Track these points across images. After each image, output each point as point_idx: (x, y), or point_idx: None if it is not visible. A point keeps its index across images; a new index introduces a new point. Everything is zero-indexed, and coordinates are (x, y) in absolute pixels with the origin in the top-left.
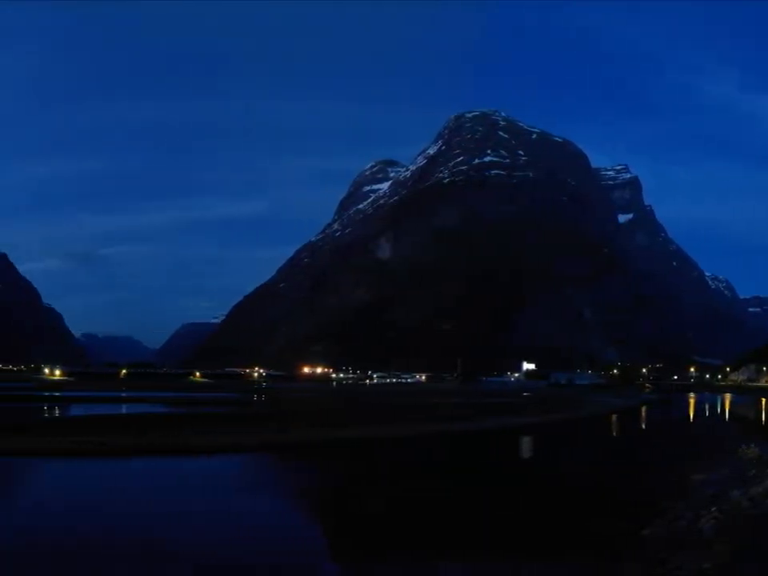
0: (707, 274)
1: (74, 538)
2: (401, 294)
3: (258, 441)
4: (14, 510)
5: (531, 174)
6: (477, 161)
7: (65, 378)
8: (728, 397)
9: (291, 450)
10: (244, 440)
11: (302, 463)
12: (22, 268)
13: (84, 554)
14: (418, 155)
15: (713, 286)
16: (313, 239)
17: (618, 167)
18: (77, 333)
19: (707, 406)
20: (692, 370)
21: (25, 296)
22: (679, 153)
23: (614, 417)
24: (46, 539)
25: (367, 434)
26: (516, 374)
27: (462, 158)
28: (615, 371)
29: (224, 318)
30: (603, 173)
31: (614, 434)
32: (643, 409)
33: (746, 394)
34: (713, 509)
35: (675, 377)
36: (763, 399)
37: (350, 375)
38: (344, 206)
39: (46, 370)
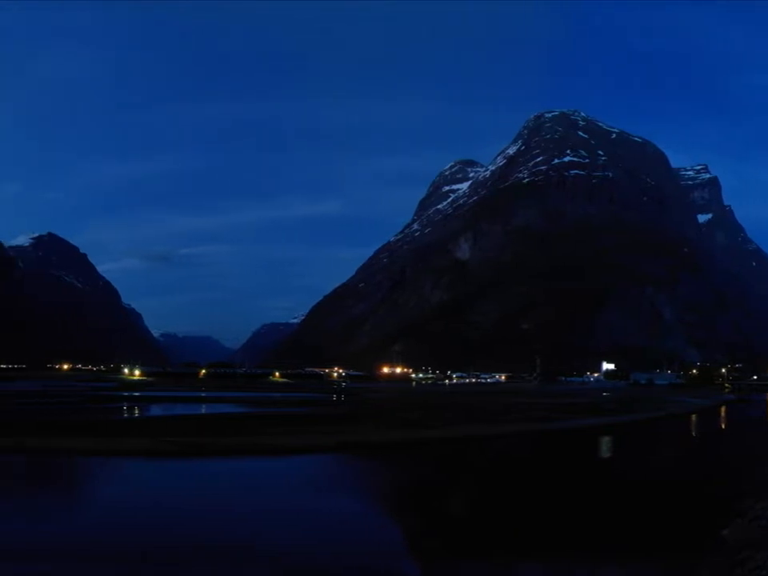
0: None
1: (157, 537)
2: (480, 294)
3: (338, 441)
4: (100, 510)
5: (611, 174)
6: (556, 161)
7: (144, 378)
8: None
9: (372, 450)
10: (324, 440)
11: (382, 463)
12: (102, 268)
13: (168, 554)
14: (498, 155)
15: None
16: (392, 239)
17: (698, 167)
18: (156, 333)
19: None
20: None
21: (105, 296)
22: (758, 152)
23: (694, 417)
24: (130, 539)
25: (448, 435)
26: (596, 374)
27: (541, 157)
28: (694, 371)
29: (303, 317)
30: (682, 173)
31: (694, 433)
32: (722, 409)
33: None
34: None
35: (755, 377)
36: None
37: (430, 375)
38: (423, 206)
39: (126, 370)
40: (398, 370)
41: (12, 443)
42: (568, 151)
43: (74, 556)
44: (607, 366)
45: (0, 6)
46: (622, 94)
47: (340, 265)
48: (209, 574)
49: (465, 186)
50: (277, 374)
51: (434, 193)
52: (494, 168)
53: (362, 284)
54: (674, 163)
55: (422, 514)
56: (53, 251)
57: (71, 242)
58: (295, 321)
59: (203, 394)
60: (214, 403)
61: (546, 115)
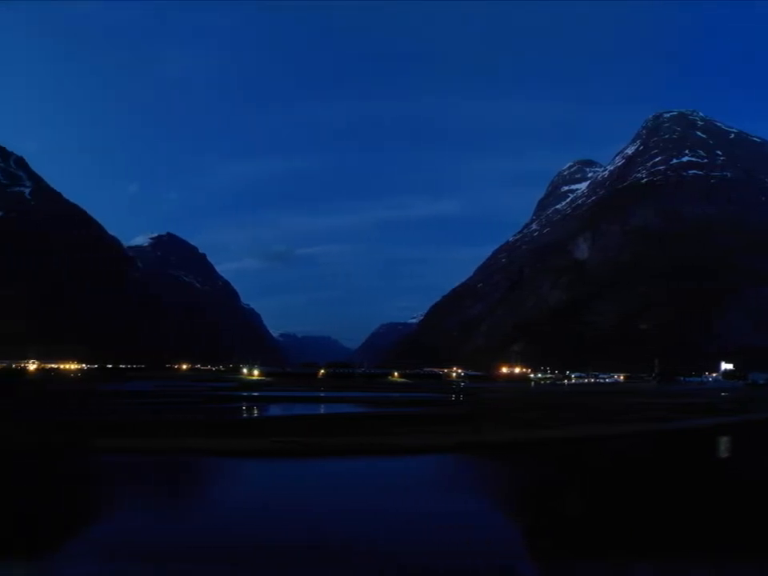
0: None
1: (272, 538)
2: (598, 294)
3: (456, 441)
4: (217, 511)
5: (729, 174)
6: (674, 161)
7: (263, 378)
8: None
9: (489, 450)
10: (442, 440)
11: (499, 463)
12: (221, 268)
13: (283, 554)
14: (616, 155)
15: None
16: (510, 239)
17: None
18: (275, 333)
19: None
20: None
21: (224, 296)
22: None
23: None
24: (245, 539)
25: (565, 435)
26: (714, 375)
27: (659, 157)
28: None
29: (422, 317)
30: None
31: None
32: None
33: None
34: None
35: None
36: None
37: (548, 375)
38: (542, 206)
39: (245, 370)
40: (517, 369)
41: (130, 444)
42: (686, 151)
43: (192, 555)
44: (726, 366)
45: (123, 7)
46: (740, 94)
47: (458, 264)
48: (324, 574)
49: (583, 185)
50: (395, 373)
51: (553, 193)
52: (612, 168)
53: (480, 284)
54: None
55: (539, 514)
56: (172, 251)
57: (190, 242)
58: (414, 321)
59: (322, 394)
60: (333, 403)
61: (665, 115)
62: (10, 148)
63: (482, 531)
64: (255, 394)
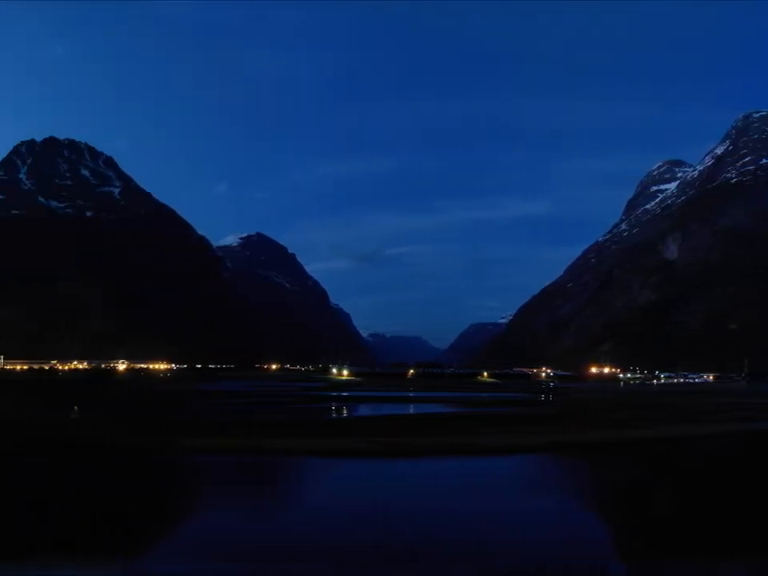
0: None
1: (363, 537)
2: (687, 294)
3: (545, 441)
4: (309, 510)
5: None
6: (764, 161)
7: (352, 378)
8: None
9: (578, 450)
10: (531, 440)
11: (589, 463)
12: (310, 268)
13: (376, 554)
14: (706, 155)
15: None
16: (600, 239)
17: None
18: (365, 333)
19: None
20: None
21: (313, 296)
22: None
23: None
24: (337, 539)
25: (654, 435)
26: None
27: (749, 157)
28: None
29: (511, 317)
30: None
31: None
32: None
33: None
34: None
35: None
36: None
37: (637, 375)
38: (631, 206)
39: (334, 371)
40: (605, 370)
41: (220, 444)
42: None
43: (285, 555)
44: None
45: (213, 7)
46: None
47: (548, 264)
48: (417, 573)
49: (673, 185)
50: (485, 373)
51: (642, 193)
52: (701, 168)
53: (570, 284)
54: None
55: (629, 514)
56: (261, 251)
57: (279, 241)
58: (503, 321)
59: (411, 395)
60: (422, 403)
61: (754, 115)
62: (99, 148)
63: (572, 531)
64: (344, 394)
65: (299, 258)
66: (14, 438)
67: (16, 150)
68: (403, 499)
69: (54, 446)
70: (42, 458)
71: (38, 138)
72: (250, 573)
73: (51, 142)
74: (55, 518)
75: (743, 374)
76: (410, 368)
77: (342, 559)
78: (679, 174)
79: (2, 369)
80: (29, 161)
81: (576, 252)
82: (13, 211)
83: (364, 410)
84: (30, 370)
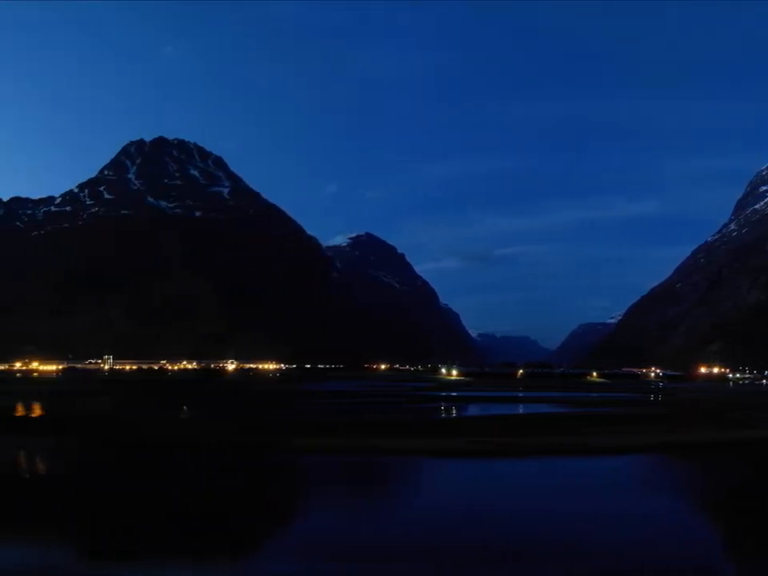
0: None
1: (468, 537)
2: None
3: (654, 441)
4: (415, 510)
5: None
6: None
7: (461, 378)
8: None
9: (688, 450)
10: (640, 440)
11: (698, 463)
12: (419, 268)
13: (479, 553)
14: None
15: None
16: (709, 239)
17: None
18: (474, 333)
19: None
20: None
21: (422, 296)
22: None
23: None
24: (443, 538)
25: (766, 435)
26: None
27: None
28: None
29: (620, 317)
30: None
31: None
32: None
33: None
34: None
35: None
36: None
37: (746, 375)
38: (741, 205)
39: (443, 370)
40: (714, 370)
41: (328, 443)
42: None
43: (390, 555)
44: None
45: (324, 7)
46: None
47: (657, 264)
48: (520, 572)
49: None
50: (594, 374)
51: (752, 192)
52: None
53: (679, 284)
54: None
55: (739, 515)
56: (370, 251)
57: (388, 241)
58: (612, 321)
59: (520, 395)
60: (530, 403)
61: None
62: (208, 148)
63: (677, 531)
64: (453, 394)
65: (408, 258)
66: (126, 439)
67: (125, 150)
68: (507, 499)
69: (163, 446)
70: (154, 457)
71: (147, 138)
72: (356, 572)
73: (160, 142)
74: (167, 517)
75: None
76: (519, 368)
77: (443, 559)
78: None
79: (112, 369)
80: (138, 161)
81: (685, 252)
82: (122, 211)
83: (473, 410)
84: (140, 370)
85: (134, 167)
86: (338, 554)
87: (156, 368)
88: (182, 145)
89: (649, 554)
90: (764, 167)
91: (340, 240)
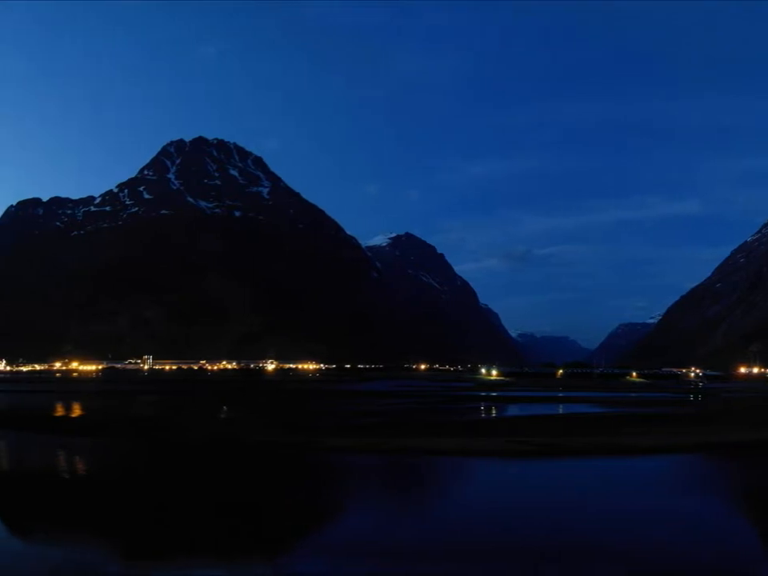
0: None
1: (509, 537)
2: None
3: (696, 441)
4: (455, 511)
5: None
6: None
7: (501, 378)
8: None
9: (729, 450)
10: (680, 440)
11: (740, 464)
12: (459, 268)
13: (519, 554)
14: None
15: None
16: (749, 239)
17: None
18: (513, 333)
19: None
20: None
21: (462, 296)
22: None
23: None
24: (485, 539)
25: None
26: None
27: None
28: None
29: (660, 317)
30: None
31: None
32: None
33: None
34: None
35: None
36: None
37: None
38: None
39: (483, 370)
40: (755, 370)
41: (365, 443)
42: None
43: (427, 556)
44: None
45: (364, 8)
46: None
47: (697, 264)
48: (564, 572)
49: None
50: (634, 374)
51: None
52: None
53: (719, 284)
54: None
55: None
56: (410, 251)
57: (428, 241)
58: (652, 321)
59: (560, 394)
60: (570, 403)
61: None
62: (248, 148)
63: (716, 533)
64: (493, 394)
65: (448, 258)
66: (166, 438)
67: (164, 150)
68: (549, 500)
69: (201, 446)
70: (192, 457)
71: (187, 138)
72: (393, 573)
73: (200, 141)
74: (204, 516)
75: None
76: (559, 368)
77: (483, 559)
78: None
79: (151, 369)
80: (177, 161)
81: (724, 252)
82: (162, 211)
83: (512, 410)
84: (179, 369)
85: (174, 167)
86: (374, 554)
87: (195, 368)
88: (221, 145)
89: (686, 553)
90: None
91: (380, 240)
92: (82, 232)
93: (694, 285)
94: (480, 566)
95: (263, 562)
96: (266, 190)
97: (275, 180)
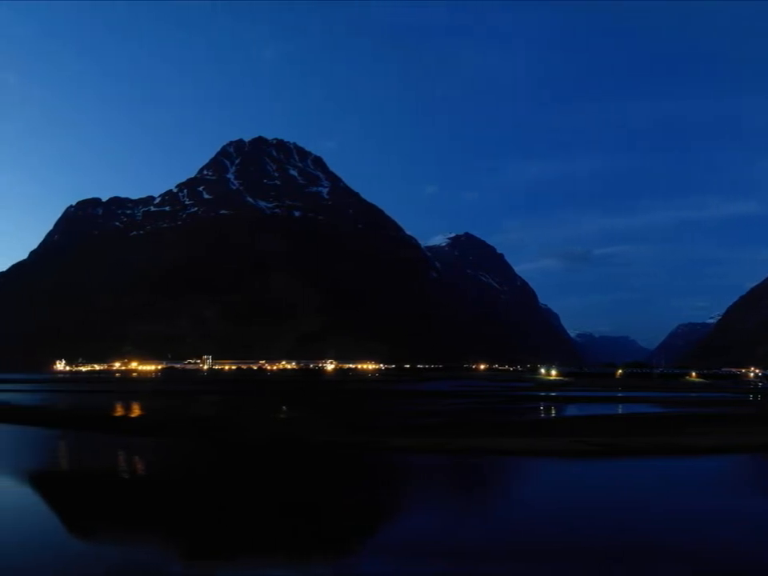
0: None
1: (572, 537)
2: None
3: (759, 441)
4: (520, 511)
5: None
6: None
7: (560, 378)
8: None
9: None
10: (744, 440)
11: None
12: (519, 268)
13: (583, 554)
14: None
15: None
16: None
17: None
18: (572, 332)
19: None
20: None
21: (522, 296)
22: None
23: None
24: (548, 539)
25: None
26: None
27: None
28: None
29: (719, 317)
30: None
31: None
32: None
33: None
34: None
35: None
36: None
37: None
38: None
39: (542, 371)
40: None
41: (426, 443)
42: None
43: (490, 556)
44: None
45: (425, 7)
46: None
47: (756, 264)
48: (628, 572)
49: None
50: (693, 374)
51: None
52: None
53: None
54: None
55: None
56: (469, 251)
57: (488, 241)
58: (711, 321)
59: (619, 394)
60: (630, 403)
61: None
62: (307, 148)
63: None
64: (552, 394)
65: (507, 258)
66: (226, 438)
67: (224, 150)
68: (613, 499)
69: (262, 446)
70: (253, 457)
71: (246, 138)
72: (456, 573)
73: (259, 141)
74: (266, 516)
75: None
76: (618, 368)
77: (547, 559)
78: None
79: (211, 369)
80: (237, 161)
81: None
82: (221, 211)
83: (573, 410)
84: (238, 369)
85: (233, 167)
86: (436, 554)
87: (255, 368)
88: (281, 145)
89: (750, 553)
90: None
91: (439, 240)
92: (141, 232)
93: (753, 284)
94: (543, 565)
95: (326, 562)
96: (325, 190)
97: (335, 180)
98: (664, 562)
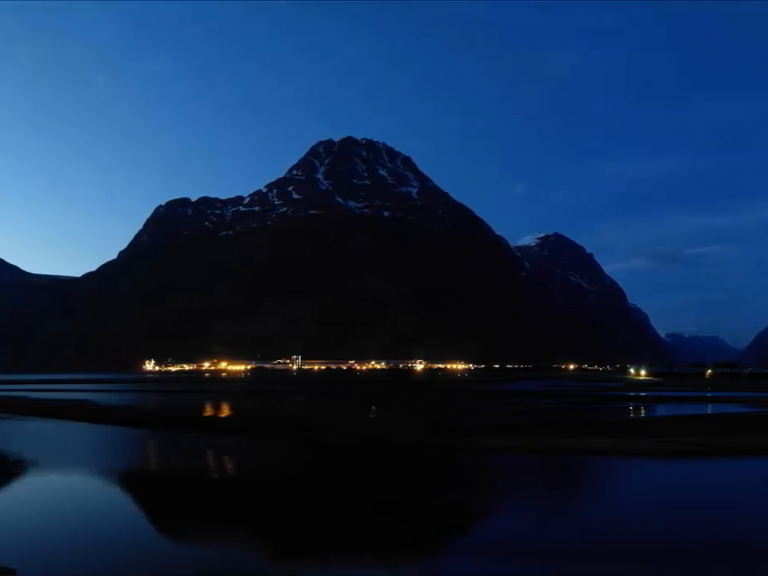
0: None
1: (658, 537)
2: None
3: None
4: (609, 512)
5: None
6: None
7: (650, 378)
8: None
9: None
10: None
11: None
12: (608, 268)
13: (673, 554)
14: None
15: None
16: None
17: None
18: (662, 333)
19: None
20: None
21: (611, 296)
22: None
23: None
24: (633, 538)
25: None
26: None
27: None
28: None
29: None
30: None
31: None
32: None
33: None
34: None
35: None
36: None
37: None
38: None
39: (632, 371)
40: None
41: (515, 443)
42: None
43: (578, 556)
44: None
45: (514, 6)
46: None
47: None
48: (725, 572)
49: None
50: None
51: None
52: None
53: None
54: None
55: None
56: (559, 251)
57: (577, 241)
58: None
59: (709, 394)
60: (719, 403)
61: None
62: (397, 148)
63: None
64: (642, 394)
65: (597, 258)
66: (316, 438)
67: (313, 150)
68: (701, 500)
69: (352, 446)
70: (343, 457)
71: (336, 138)
72: (544, 573)
73: (348, 141)
74: (354, 516)
75: None
76: (708, 368)
77: (634, 559)
78: None
79: (300, 369)
80: (326, 161)
81: None
82: (310, 211)
83: (662, 410)
84: (328, 369)
85: (323, 167)
86: (524, 554)
87: (344, 368)
88: (370, 145)
89: None
90: None
91: (528, 240)
92: (230, 232)
93: None
94: (634, 565)
95: (413, 561)
96: (414, 190)
97: (424, 180)
98: (763, 562)
